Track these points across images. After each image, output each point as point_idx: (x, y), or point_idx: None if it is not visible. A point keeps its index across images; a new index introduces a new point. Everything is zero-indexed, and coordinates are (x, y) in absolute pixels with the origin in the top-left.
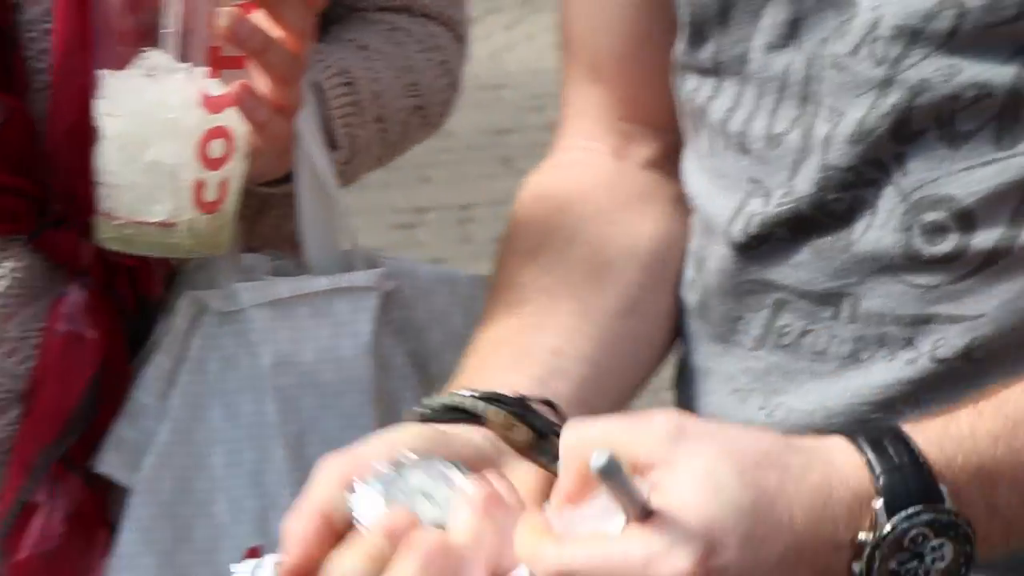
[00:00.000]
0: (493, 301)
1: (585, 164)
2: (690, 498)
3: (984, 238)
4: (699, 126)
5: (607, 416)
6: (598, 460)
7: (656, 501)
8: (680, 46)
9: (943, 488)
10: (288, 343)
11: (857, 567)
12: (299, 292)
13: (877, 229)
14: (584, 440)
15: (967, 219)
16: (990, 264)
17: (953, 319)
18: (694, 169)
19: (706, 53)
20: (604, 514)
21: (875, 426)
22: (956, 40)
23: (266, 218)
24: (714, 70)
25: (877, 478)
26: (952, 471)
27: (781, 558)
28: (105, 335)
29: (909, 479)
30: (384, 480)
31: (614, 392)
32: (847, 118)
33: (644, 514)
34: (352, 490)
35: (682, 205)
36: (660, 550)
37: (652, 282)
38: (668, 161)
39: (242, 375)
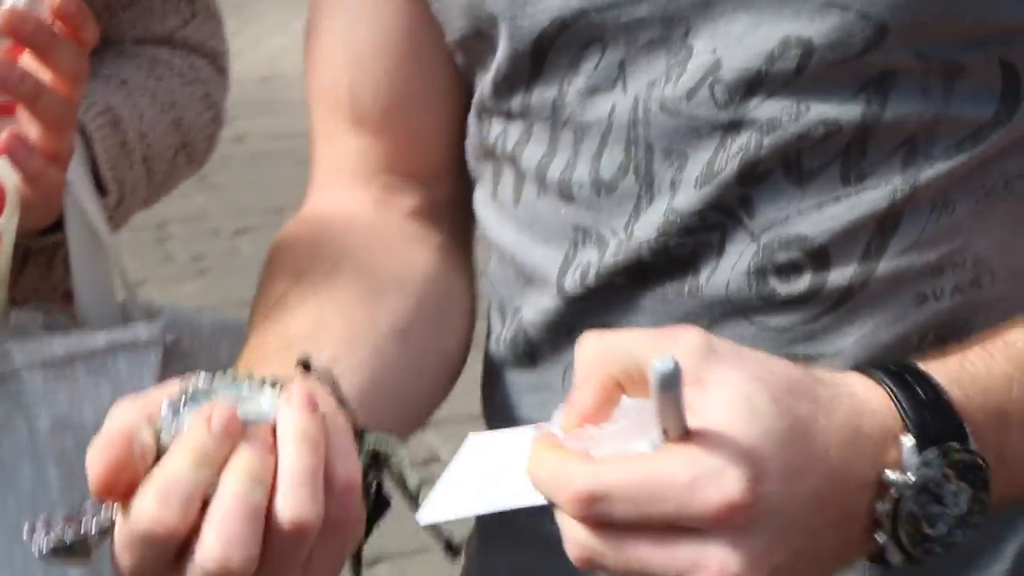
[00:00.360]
0: (261, 316)
1: (346, 208)
2: (728, 420)
3: (838, 275)
4: (503, 172)
5: (630, 329)
6: (663, 367)
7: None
8: (484, 91)
9: (967, 428)
10: (66, 405)
11: (881, 508)
12: (75, 350)
13: (726, 272)
14: (607, 351)
15: (821, 257)
16: (845, 301)
17: (809, 358)
18: (498, 219)
19: (515, 99)
20: (628, 434)
21: (889, 362)
22: (802, 79)
23: (31, 268)
24: (522, 114)
25: (905, 414)
26: (971, 411)
27: (812, 493)
28: None
29: (937, 416)
30: (194, 394)
31: (394, 412)
32: (692, 161)
33: (684, 435)
34: (159, 415)
35: (448, 254)
36: (708, 472)
37: (425, 316)
38: (433, 211)
39: (19, 440)
